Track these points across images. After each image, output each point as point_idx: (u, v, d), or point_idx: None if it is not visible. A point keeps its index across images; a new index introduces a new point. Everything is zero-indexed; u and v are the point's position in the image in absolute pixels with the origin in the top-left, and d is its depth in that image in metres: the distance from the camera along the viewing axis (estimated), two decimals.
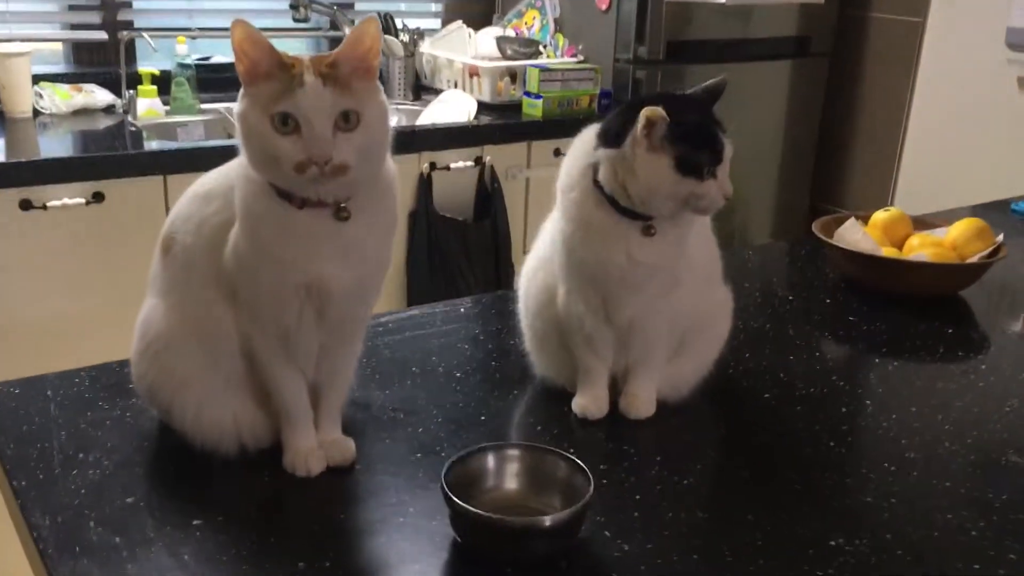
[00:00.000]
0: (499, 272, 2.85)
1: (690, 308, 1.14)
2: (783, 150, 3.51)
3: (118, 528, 0.91)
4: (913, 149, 3.37)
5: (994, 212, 2.15)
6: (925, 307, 1.55)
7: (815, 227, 1.66)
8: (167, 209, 2.32)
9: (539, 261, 1.19)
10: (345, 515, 0.96)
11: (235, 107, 0.88)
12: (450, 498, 0.88)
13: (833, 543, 0.93)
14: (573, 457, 0.95)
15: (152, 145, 2.45)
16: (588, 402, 1.15)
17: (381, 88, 0.89)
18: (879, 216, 1.71)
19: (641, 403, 1.15)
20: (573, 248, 1.10)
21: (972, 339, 1.49)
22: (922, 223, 1.73)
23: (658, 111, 1.01)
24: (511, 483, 0.97)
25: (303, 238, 0.91)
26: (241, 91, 0.88)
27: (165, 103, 2.81)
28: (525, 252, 2.95)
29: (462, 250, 2.73)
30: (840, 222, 1.68)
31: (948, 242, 1.63)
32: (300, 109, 0.84)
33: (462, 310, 1.50)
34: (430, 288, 2.70)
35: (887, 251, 1.62)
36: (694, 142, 1.03)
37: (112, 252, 2.29)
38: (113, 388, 1.18)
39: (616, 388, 1.18)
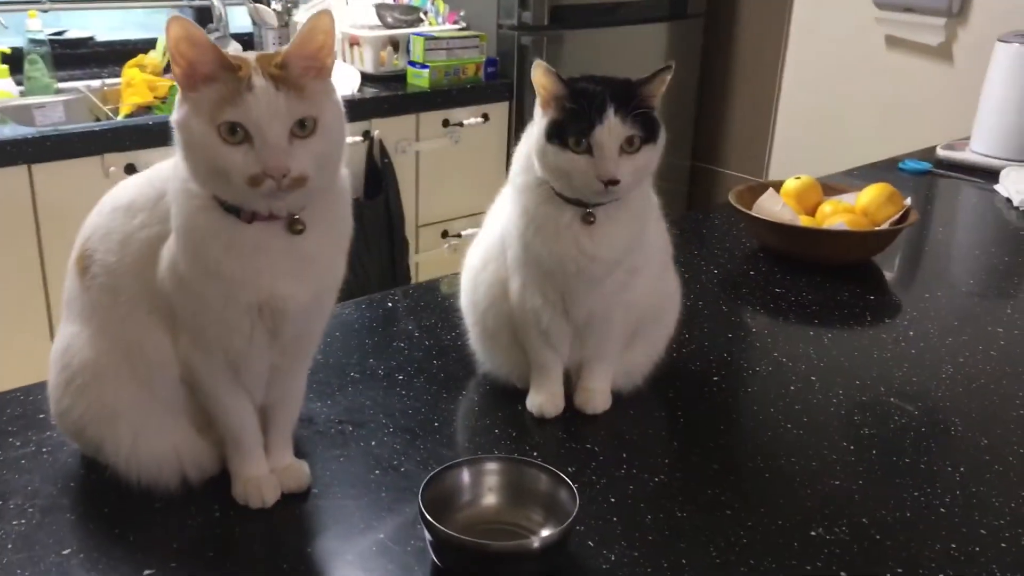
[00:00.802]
0: (394, 250, 2.77)
1: (646, 298, 1.11)
2: (663, 112, 3.51)
3: None
4: (788, 108, 3.45)
5: (884, 171, 2.22)
6: (840, 273, 1.57)
7: (731, 197, 1.66)
8: (34, 202, 2.17)
9: (488, 252, 1.13)
10: (311, 547, 0.89)
11: (172, 115, 0.78)
12: (431, 524, 0.83)
13: (814, 533, 0.92)
14: (554, 469, 0.90)
15: (8, 131, 2.24)
16: (544, 400, 1.11)
17: (335, 88, 0.81)
18: (791, 184, 1.73)
19: (598, 397, 1.12)
20: (528, 242, 1.05)
21: (893, 304, 1.53)
22: (831, 188, 1.76)
23: (545, 67, 0.98)
24: (488, 498, 0.92)
25: (254, 254, 0.82)
26: (178, 96, 0.78)
27: (18, 83, 2.59)
28: (418, 227, 2.92)
29: (357, 228, 2.62)
30: (755, 191, 1.69)
31: (859, 208, 1.65)
32: (251, 117, 0.75)
33: (389, 304, 1.43)
34: None
35: (804, 220, 1.63)
36: (565, 107, 0.99)
37: None
38: (21, 420, 1.06)
39: (569, 382, 1.14)
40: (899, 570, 0.87)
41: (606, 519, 0.93)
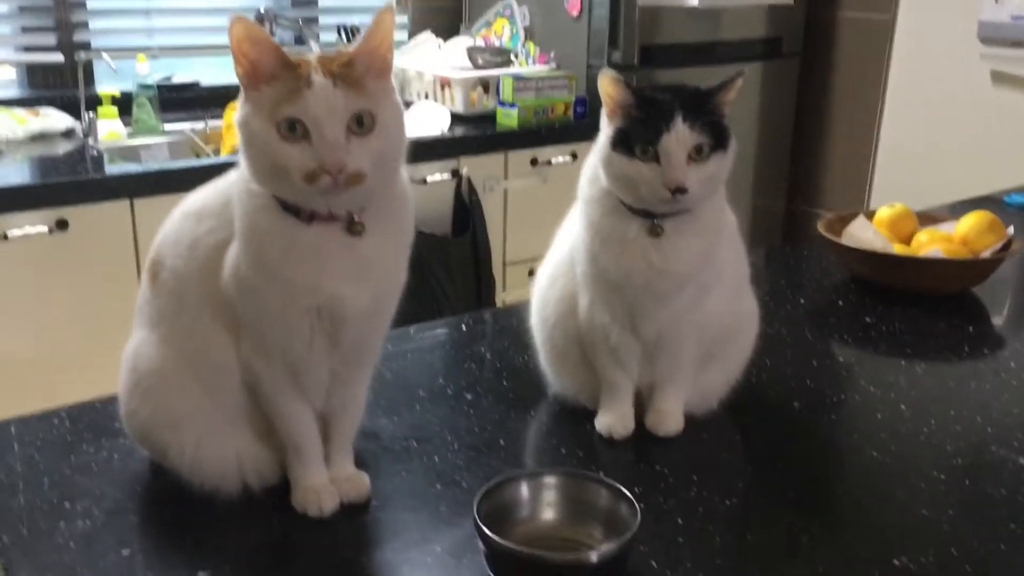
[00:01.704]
0: (480, 287, 2.77)
1: (720, 317, 1.07)
2: (757, 153, 3.47)
3: None
4: (888, 148, 3.35)
5: (988, 206, 2.12)
6: (937, 304, 1.49)
7: (821, 227, 1.61)
8: (135, 234, 2.25)
9: (557, 268, 1.11)
10: (367, 558, 0.88)
11: (235, 115, 0.80)
12: (486, 534, 0.80)
13: (897, 562, 0.86)
14: (615, 484, 0.87)
15: (115, 169, 2.34)
16: (613, 420, 1.08)
17: (395, 88, 0.81)
18: (884, 212, 1.66)
19: (670, 419, 1.08)
20: (595, 255, 1.02)
21: (993, 336, 1.44)
22: (927, 218, 1.69)
23: (612, 75, 0.97)
24: (547, 513, 0.89)
25: (313, 256, 0.82)
26: (241, 96, 0.79)
27: (127, 124, 2.71)
28: (506, 266, 2.92)
29: (442, 266, 2.65)
30: (845, 220, 1.63)
31: (958, 237, 1.58)
32: (309, 113, 0.76)
33: (463, 328, 1.42)
34: (410, 306, 2.60)
35: (898, 248, 1.56)
36: (632, 116, 0.97)
37: (79, 282, 2.18)
38: (96, 428, 1.08)
39: (640, 403, 1.10)
40: None
41: (672, 539, 0.89)
